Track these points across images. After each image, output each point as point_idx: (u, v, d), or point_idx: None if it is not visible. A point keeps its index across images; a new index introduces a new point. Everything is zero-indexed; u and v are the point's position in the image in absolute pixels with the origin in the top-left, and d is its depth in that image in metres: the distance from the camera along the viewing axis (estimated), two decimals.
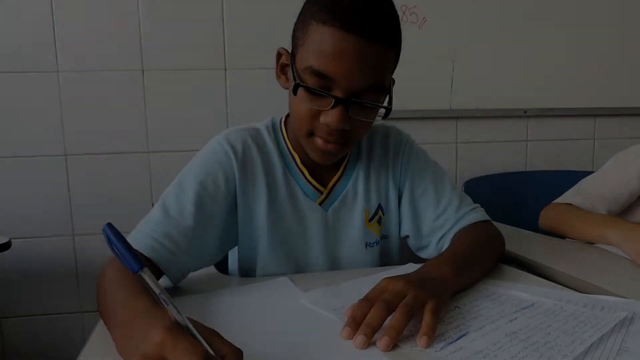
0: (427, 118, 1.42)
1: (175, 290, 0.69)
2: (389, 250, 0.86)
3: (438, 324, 0.53)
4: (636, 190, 0.97)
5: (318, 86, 0.64)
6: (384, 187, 0.83)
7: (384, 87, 0.68)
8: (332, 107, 0.65)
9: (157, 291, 0.43)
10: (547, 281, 0.71)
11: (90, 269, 1.34)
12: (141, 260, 0.43)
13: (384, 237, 0.85)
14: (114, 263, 0.60)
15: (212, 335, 0.42)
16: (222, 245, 0.75)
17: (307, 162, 0.78)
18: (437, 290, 0.58)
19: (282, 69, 0.73)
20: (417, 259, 0.83)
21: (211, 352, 0.40)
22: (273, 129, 0.81)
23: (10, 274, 1.27)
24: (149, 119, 1.32)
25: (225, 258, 0.86)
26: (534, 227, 1.36)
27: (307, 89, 0.65)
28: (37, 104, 1.27)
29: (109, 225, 0.46)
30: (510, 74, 1.44)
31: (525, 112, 1.46)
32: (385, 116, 0.70)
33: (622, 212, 1.02)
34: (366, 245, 0.82)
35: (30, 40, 1.25)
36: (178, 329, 0.41)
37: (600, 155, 1.54)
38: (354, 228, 0.81)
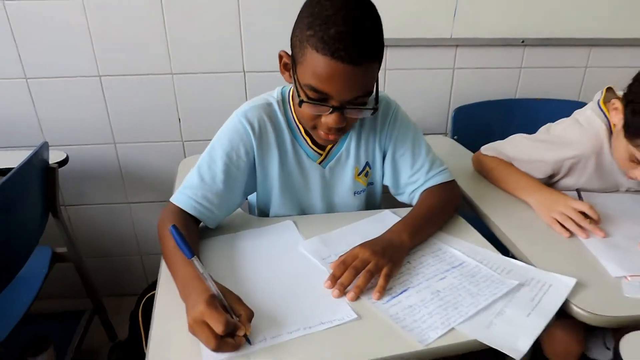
0: (429, 46, 1.52)
1: (211, 232, 0.96)
2: (374, 193, 1.11)
3: (391, 280, 0.80)
4: (549, 173, 1.13)
5: (317, 98, 0.82)
6: (372, 149, 1.04)
7: (371, 91, 0.85)
8: (330, 113, 0.83)
9: (201, 271, 0.70)
10: (481, 237, 0.96)
11: (131, 169, 1.61)
12: (192, 250, 0.70)
13: (370, 184, 1.08)
14: (171, 217, 0.87)
15: (233, 300, 0.70)
16: (244, 195, 1.01)
17: (309, 131, 0.98)
18: (394, 256, 0.83)
19: (284, 67, 0.89)
20: (394, 200, 1.10)
21: (233, 317, 0.67)
22: (282, 102, 0.99)
23: (71, 173, 1.53)
24: (171, 44, 1.44)
25: None
26: None
27: (309, 102, 0.83)
28: (70, 34, 1.40)
29: (174, 226, 0.71)
30: (511, 4, 1.48)
31: (522, 41, 1.54)
32: (373, 113, 0.88)
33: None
34: (354, 194, 1.06)
35: None
36: (213, 301, 0.66)
37: (588, 85, 1.65)
38: (345, 181, 1.04)
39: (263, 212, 1.07)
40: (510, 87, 1.64)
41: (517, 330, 0.71)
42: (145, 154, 1.59)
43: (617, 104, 1.00)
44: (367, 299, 0.77)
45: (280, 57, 0.89)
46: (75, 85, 1.46)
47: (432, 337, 0.70)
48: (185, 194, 0.91)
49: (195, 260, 0.71)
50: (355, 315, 0.73)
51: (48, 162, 1.31)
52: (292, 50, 0.85)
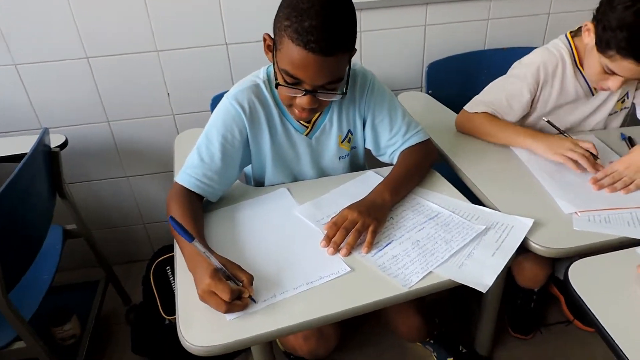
0: (401, 6, 1.58)
1: (212, 205, 1.07)
2: (358, 155, 1.23)
3: (377, 235, 0.93)
4: (528, 101, 1.26)
5: (292, 82, 0.92)
6: (352, 117, 1.14)
7: (342, 77, 0.95)
8: (303, 95, 0.93)
9: (202, 250, 0.81)
10: (454, 189, 1.09)
11: (126, 145, 1.69)
12: (191, 235, 0.80)
13: (353, 148, 1.19)
14: (176, 196, 0.98)
15: (235, 268, 0.81)
16: (241, 168, 1.12)
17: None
18: (378, 214, 0.96)
19: (268, 48, 0.97)
20: (377, 160, 1.22)
21: (237, 284, 0.79)
22: (269, 81, 1.07)
23: (70, 153, 1.60)
24: (154, 22, 1.49)
25: None
26: None
27: (285, 85, 0.92)
28: (53, 18, 1.43)
29: (171, 217, 0.83)
30: None
31: None
32: (342, 97, 0.99)
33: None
34: (340, 158, 1.18)
35: None
36: (217, 274, 0.78)
37: (551, 30, 1.74)
38: (331, 148, 1.15)
39: (259, 182, 1.18)
40: (479, 39, 1.72)
41: (483, 269, 0.86)
42: (138, 129, 1.66)
43: (589, 25, 1.14)
44: (357, 254, 0.91)
45: (264, 39, 0.97)
46: (65, 68, 1.51)
47: (414, 280, 0.84)
48: (187, 174, 1.01)
49: (195, 242, 0.81)
50: (349, 268, 0.87)
51: (50, 147, 1.39)
52: (273, 35, 0.93)
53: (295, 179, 1.18)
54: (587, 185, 1.08)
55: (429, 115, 1.46)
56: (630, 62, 1.03)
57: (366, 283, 0.84)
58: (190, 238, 0.80)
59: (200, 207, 1.02)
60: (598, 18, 1.08)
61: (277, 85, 0.94)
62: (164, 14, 1.48)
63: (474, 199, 1.07)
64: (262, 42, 0.98)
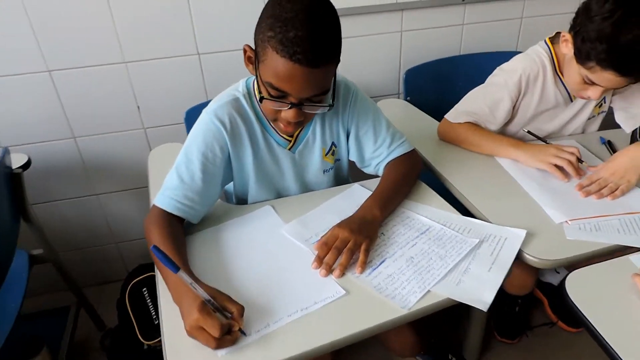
0: (377, 12, 1.56)
1: (195, 226, 1.01)
2: (342, 168, 1.19)
3: (370, 252, 0.90)
4: (510, 108, 1.25)
5: (277, 95, 0.87)
6: (336, 130, 1.10)
7: (328, 89, 0.91)
8: (289, 108, 0.89)
9: (189, 281, 0.75)
10: (442, 200, 1.07)
11: (94, 162, 1.60)
12: (177, 265, 0.74)
13: (337, 160, 1.16)
14: (155, 219, 0.91)
15: (224, 300, 0.75)
16: (222, 186, 1.06)
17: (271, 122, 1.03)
18: (370, 231, 0.93)
19: (248, 59, 0.93)
20: (360, 172, 1.18)
21: (226, 316, 0.74)
22: (249, 95, 1.02)
23: (34, 172, 1.50)
24: (120, 33, 1.41)
25: None
26: None
27: (270, 99, 0.88)
28: (11, 30, 1.34)
29: (154, 246, 0.76)
30: None
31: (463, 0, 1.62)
32: (329, 109, 0.95)
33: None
34: (324, 172, 1.14)
35: None
36: (205, 307, 0.73)
37: (524, 34, 1.76)
38: (314, 162, 1.11)
39: (241, 199, 1.13)
40: (455, 45, 1.72)
41: (482, 285, 0.84)
42: (107, 145, 1.58)
43: (567, 35, 1.13)
44: (351, 274, 0.87)
45: (245, 50, 0.92)
46: (25, 82, 1.41)
47: (413, 301, 0.81)
48: (167, 196, 0.95)
49: (181, 273, 0.74)
50: (344, 291, 0.83)
51: (12, 168, 1.30)
52: (255, 46, 0.89)
53: (279, 194, 1.13)
54: (573, 192, 1.08)
55: (410, 123, 1.44)
56: (611, 73, 1.03)
57: (363, 306, 0.81)
58: (176, 268, 0.74)
59: (182, 231, 0.96)
60: (576, 29, 1.07)
61: (261, 99, 0.89)
62: (131, 24, 1.41)
63: (460, 208, 1.06)
64: (242, 53, 0.93)
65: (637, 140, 1.22)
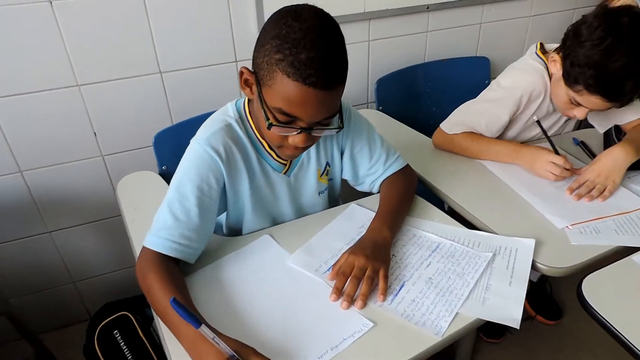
0: (345, 22, 1.52)
1: (189, 266, 0.91)
2: (335, 187, 1.14)
3: (387, 276, 0.86)
4: (506, 122, 1.26)
5: (286, 121, 0.81)
6: (330, 150, 1.05)
7: (337, 111, 0.86)
8: (298, 133, 0.83)
9: (211, 336, 0.67)
10: (443, 213, 1.06)
11: (46, 197, 1.44)
12: (198, 319, 0.67)
13: (330, 179, 1.11)
14: (150, 264, 0.82)
15: (250, 354, 0.68)
16: (217, 217, 0.97)
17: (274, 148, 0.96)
18: (385, 255, 0.89)
19: (245, 82, 0.86)
20: (352, 189, 1.15)
21: None
22: (241, 119, 0.95)
23: None
24: (72, 53, 1.28)
25: None
26: (429, 115, 1.64)
27: (278, 125, 0.81)
28: None
29: (174, 299, 0.68)
30: None
31: (427, 7, 1.62)
32: (338, 131, 0.90)
33: None
34: (319, 193, 1.08)
35: None
36: None
37: (483, 39, 1.81)
38: (310, 184, 1.06)
39: (234, 229, 1.05)
40: (420, 52, 1.73)
41: (507, 301, 0.82)
42: (59, 176, 1.42)
43: (556, 57, 1.15)
44: (372, 303, 0.83)
45: (241, 73, 0.85)
46: None
47: (444, 326, 0.78)
48: (162, 237, 0.85)
49: (203, 328, 0.67)
50: (372, 323, 0.78)
51: None
52: (255, 69, 0.82)
53: (274, 221, 1.06)
54: (565, 196, 1.10)
55: (391, 135, 1.41)
56: (598, 98, 1.06)
57: (394, 337, 0.77)
58: (198, 324, 0.66)
59: (180, 274, 0.87)
60: (566, 53, 1.09)
61: (270, 126, 0.82)
62: (83, 43, 1.27)
63: (458, 218, 1.05)
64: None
65: (610, 140, 1.28)
